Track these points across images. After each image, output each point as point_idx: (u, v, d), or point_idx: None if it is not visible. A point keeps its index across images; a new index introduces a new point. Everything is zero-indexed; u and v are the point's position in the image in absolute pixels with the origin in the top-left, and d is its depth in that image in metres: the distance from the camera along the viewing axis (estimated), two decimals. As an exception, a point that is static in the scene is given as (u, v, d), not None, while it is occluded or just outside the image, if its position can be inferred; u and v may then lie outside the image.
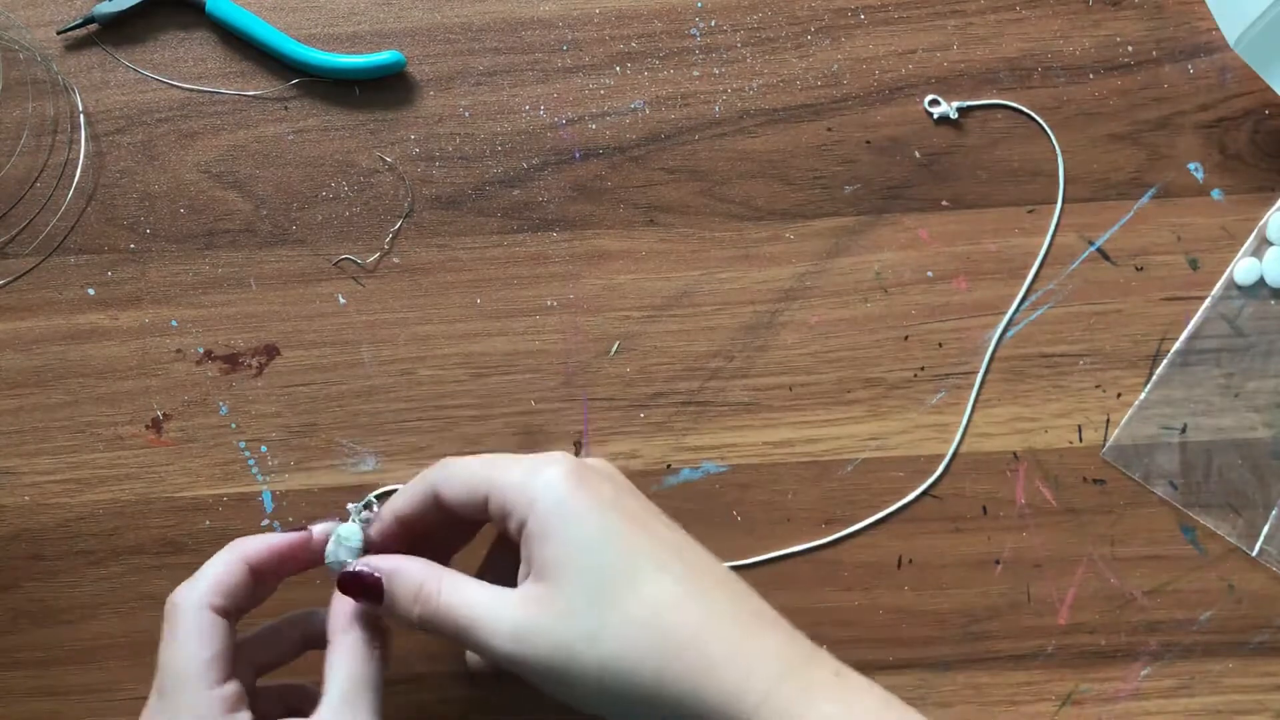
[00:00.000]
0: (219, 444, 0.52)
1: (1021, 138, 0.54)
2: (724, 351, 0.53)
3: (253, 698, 0.42)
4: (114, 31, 0.55)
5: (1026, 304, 0.53)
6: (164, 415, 0.53)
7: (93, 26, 0.55)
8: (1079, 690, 0.51)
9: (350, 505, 0.45)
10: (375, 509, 0.45)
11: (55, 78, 0.55)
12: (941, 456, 0.52)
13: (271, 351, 0.53)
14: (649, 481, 0.52)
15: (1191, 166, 0.53)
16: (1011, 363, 0.53)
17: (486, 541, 0.48)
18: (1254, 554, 0.51)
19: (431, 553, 0.44)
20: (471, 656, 0.49)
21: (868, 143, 0.54)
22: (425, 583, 0.42)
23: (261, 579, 0.43)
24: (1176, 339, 0.53)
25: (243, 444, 0.52)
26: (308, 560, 0.44)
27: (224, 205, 0.54)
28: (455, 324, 0.53)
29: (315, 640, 0.46)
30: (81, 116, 0.54)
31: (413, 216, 0.54)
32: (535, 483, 0.41)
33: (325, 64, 0.54)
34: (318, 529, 0.44)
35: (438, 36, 0.55)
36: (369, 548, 0.44)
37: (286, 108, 0.55)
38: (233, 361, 0.53)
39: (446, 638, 0.42)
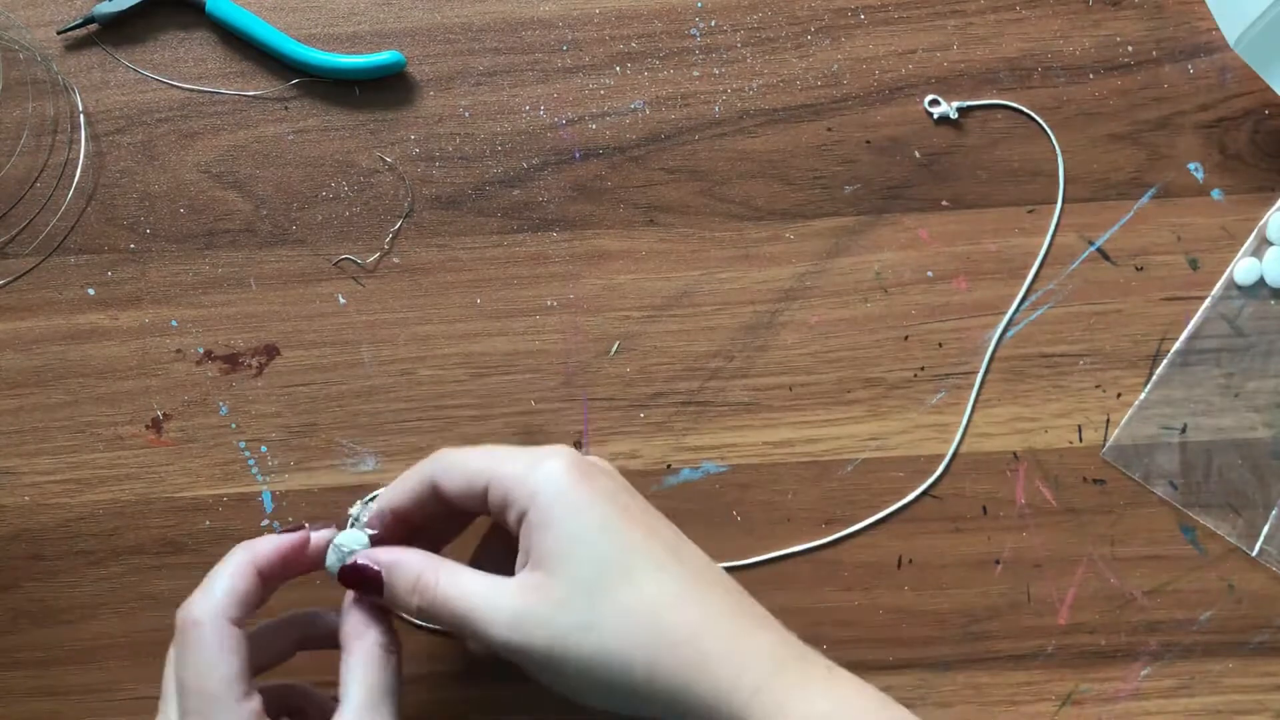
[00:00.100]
0: (219, 444, 0.52)
1: (1021, 138, 0.54)
2: (724, 351, 0.53)
3: None
4: (114, 31, 0.55)
5: (1026, 304, 0.53)
6: (164, 415, 0.53)
7: (93, 26, 0.55)
8: (1079, 690, 0.51)
9: (351, 510, 0.45)
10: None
11: (55, 78, 0.55)
12: (941, 456, 0.52)
13: (271, 351, 0.53)
14: (649, 481, 0.52)
15: (1191, 166, 0.53)
16: (1011, 363, 0.53)
17: (475, 537, 0.48)
18: (1254, 554, 0.51)
19: (423, 546, 0.44)
20: (473, 642, 0.49)
21: (868, 143, 0.54)
22: (423, 573, 0.42)
23: (268, 583, 0.43)
24: (1176, 339, 0.53)
25: (243, 444, 0.52)
26: (310, 563, 0.44)
27: (224, 205, 0.54)
28: (455, 324, 0.53)
29: (313, 641, 0.46)
30: (81, 116, 0.55)
31: (413, 216, 0.54)
32: (537, 474, 0.41)
33: (325, 64, 0.54)
34: (315, 535, 0.44)
35: (438, 36, 0.55)
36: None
37: (286, 108, 0.55)
38: (233, 361, 0.53)
39: (445, 627, 0.42)
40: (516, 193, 0.54)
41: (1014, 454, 0.52)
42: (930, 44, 0.55)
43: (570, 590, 0.40)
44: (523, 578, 0.41)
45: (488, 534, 0.47)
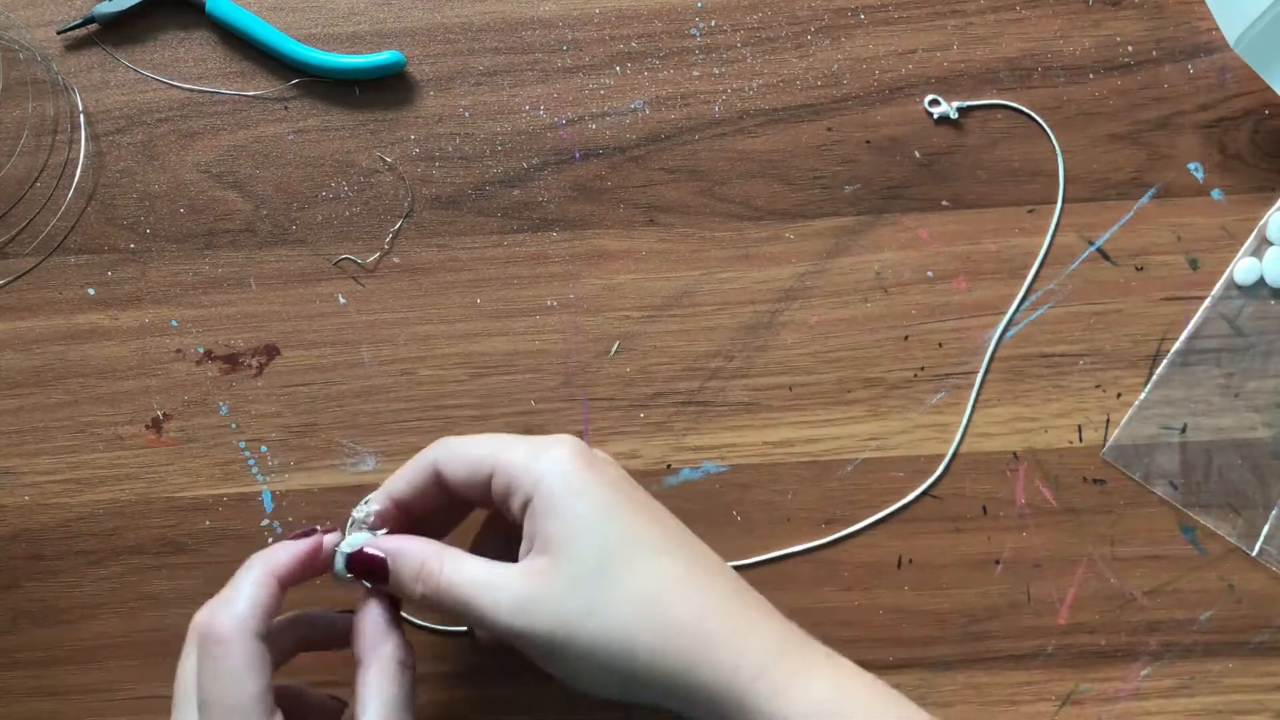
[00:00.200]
0: (219, 444, 0.52)
1: (1021, 138, 0.54)
2: (724, 351, 0.53)
3: None
4: (114, 31, 0.55)
5: (1026, 304, 0.53)
6: (164, 415, 0.53)
7: (93, 26, 0.55)
8: (1079, 690, 0.51)
9: (355, 512, 0.45)
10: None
11: (55, 78, 0.55)
12: (941, 456, 0.52)
13: (271, 351, 0.53)
14: (649, 481, 0.52)
15: (1191, 166, 0.53)
16: (1011, 363, 0.53)
17: (472, 530, 0.48)
18: (1254, 554, 0.51)
19: (423, 536, 0.44)
20: (479, 629, 0.49)
21: (868, 143, 0.54)
22: (427, 560, 0.42)
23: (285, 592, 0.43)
24: (1176, 339, 0.53)
25: (243, 444, 0.52)
26: (321, 568, 0.44)
27: (224, 205, 0.54)
28: (455, 324, 0.53)
29: (314, 642, 0.46)
30: (81, 116, 0.55)
31: (413, 216, 0.54)
32: (542, 461, 0.42)
33: (325, 64, 0.54)
34: (328, 539, 0.44)
35: (438, 36, 0.55)
36: None
37: (286, 108, 0.55)
38: (233, 361, 0.53)
39: (450, 614, 0.42)
40: (516, 193, 0.54)
41: (1014, 454, 0.52)
42: (930, 44, 0.54)
43: (574, 575, 0.40)
44: (526, 563, 0.41)
45: (486, 525, 0.48)
